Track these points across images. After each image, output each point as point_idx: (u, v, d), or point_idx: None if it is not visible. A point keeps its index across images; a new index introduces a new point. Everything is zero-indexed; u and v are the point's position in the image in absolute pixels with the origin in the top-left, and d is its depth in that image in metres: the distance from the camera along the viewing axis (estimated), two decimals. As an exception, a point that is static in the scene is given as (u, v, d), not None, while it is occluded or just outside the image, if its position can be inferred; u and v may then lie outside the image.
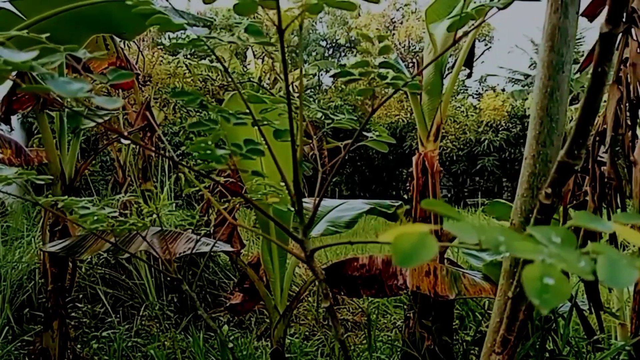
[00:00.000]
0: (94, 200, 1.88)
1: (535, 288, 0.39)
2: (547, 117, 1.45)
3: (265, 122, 1.14)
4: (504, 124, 24.44)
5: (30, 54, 0.59)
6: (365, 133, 1.53)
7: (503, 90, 31.61)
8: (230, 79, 12.06)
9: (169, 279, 6.02)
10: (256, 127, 1.20)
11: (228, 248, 3.74)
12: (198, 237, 3.50)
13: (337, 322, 1.38)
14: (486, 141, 23.94)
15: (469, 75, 4.72)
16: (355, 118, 1.44)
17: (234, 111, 3.13)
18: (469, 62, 4.39)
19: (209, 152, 1.00)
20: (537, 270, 0.40)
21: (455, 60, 4.24)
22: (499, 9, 1.22)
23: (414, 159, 4.05)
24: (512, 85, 34.19)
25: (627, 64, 3.00)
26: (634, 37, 2.88)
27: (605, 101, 3.13)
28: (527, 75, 34.09)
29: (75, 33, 3.15)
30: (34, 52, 0.61)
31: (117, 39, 5.14)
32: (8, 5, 2.84)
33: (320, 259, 8.16)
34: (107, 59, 5.26)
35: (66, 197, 1.70)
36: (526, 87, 31.54)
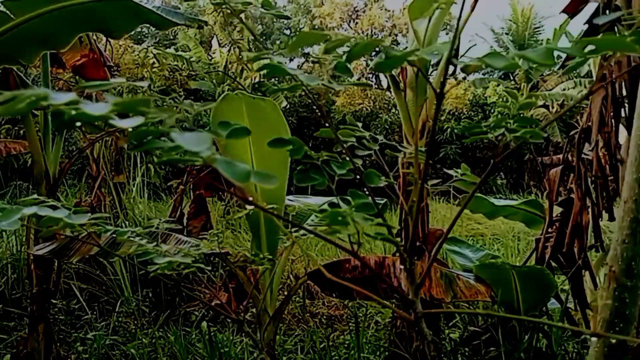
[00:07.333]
0: (132, 226, 1.84)
1: None
2: None
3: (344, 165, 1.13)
4: (465, 112, 24.65)
5: (180, 140, 0.56)
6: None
7: (464, 78, 31.81)
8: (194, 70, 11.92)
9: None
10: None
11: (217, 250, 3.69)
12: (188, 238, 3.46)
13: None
14: (448, 129, 24.12)
15: (453, 72, 4.75)
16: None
17: (227, 112, 3.05)
18: (454, 58, 4.41)
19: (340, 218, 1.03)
20: None
21: (440, 57, 4.25)
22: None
23: (400, 156, 4.05)
24: (473, 74, 34.51)
25: (612, 62, 3.04)
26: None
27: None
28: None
29: (63, 31, 3.09)
30: (179, 134, 0.58)
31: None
32: (-1, 5, 2.76)
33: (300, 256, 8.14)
34: (80, 51, 5.16)
35: (115, 228, 1.65)
36: (487, 76, 31.82)
